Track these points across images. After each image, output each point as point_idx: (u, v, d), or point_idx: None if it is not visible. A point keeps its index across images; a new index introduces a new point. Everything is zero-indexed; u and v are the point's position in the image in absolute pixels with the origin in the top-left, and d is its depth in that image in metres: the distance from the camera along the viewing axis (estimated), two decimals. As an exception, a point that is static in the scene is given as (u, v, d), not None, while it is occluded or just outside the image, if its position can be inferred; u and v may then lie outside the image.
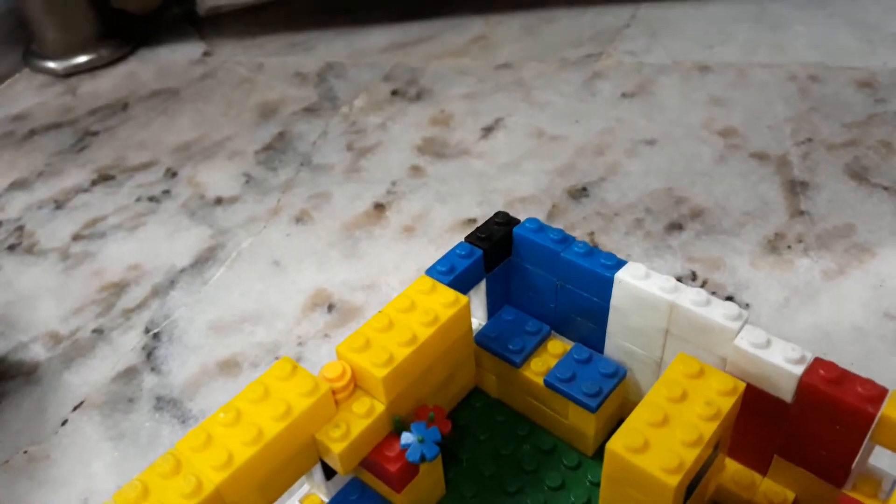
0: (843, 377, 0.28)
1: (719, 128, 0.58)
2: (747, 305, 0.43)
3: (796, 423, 0.30)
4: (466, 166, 0.57)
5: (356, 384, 0.31)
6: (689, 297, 0.31)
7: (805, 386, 0.28)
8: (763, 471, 0.32)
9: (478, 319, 0.38)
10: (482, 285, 0.37)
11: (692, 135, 0.58)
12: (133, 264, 0.51)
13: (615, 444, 0.26)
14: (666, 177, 0.54)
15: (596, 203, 0.52)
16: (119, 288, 0.49)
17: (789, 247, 0.47)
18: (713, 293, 0.44)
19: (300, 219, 0.54)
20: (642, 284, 0.32)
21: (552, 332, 0.37)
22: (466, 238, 0.36)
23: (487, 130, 0.61)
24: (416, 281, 0.33)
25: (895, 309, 0.42)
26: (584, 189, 0.53)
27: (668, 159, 0.55)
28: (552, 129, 0.60)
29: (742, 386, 0.28)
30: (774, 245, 0.47)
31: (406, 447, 0.30)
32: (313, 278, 0.48)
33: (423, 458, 0.30)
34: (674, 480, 0.25)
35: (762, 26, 0.71)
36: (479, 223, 0.37)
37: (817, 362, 0.29)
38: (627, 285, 0.32)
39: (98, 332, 0.46)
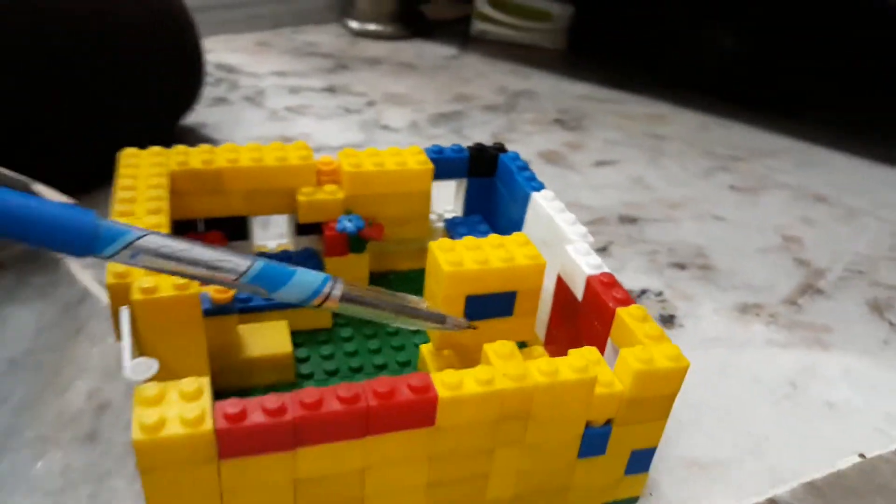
0: (612, 285, 0.37)
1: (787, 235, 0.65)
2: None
3: (583, 319, 0.39)
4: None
5: (336, 179, 0.46)
6: (564, 218, 0.42)
7: (587, 285, 0.38)
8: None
9: (456, 213, 0.51)
10: (463, 187, 0.50)
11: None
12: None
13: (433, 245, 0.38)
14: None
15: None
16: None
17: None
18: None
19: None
20: (545, 204, 0.44)
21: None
22: (467, 146, 0.49)
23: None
24: (412, 146, 0.48)
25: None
26: (635, 219, 0.64)
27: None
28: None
29: (543, 262, 0.38)
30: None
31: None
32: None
33: (343, 230, 0.44)
34: (451, 269, 0.37)
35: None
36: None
37: (604, 274, 0.38)
38: (536, 203, 0.44)
39: None
